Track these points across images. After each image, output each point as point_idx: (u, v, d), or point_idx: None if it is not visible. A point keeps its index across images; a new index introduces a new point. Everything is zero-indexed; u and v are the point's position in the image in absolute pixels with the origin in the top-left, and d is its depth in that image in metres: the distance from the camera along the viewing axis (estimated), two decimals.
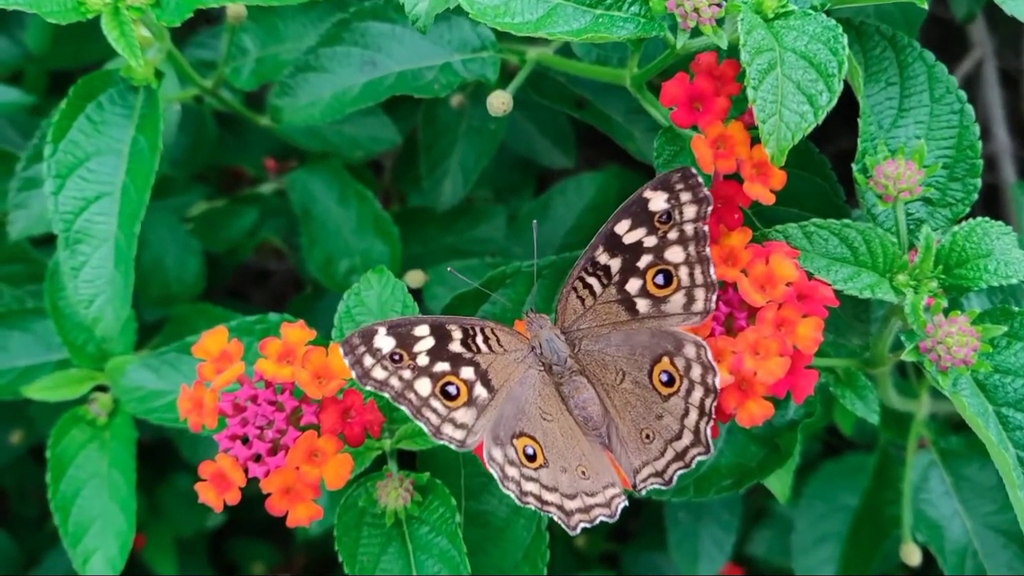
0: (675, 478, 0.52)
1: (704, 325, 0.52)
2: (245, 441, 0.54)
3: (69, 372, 0.75)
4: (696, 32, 0.51)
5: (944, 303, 0.52)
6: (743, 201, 0.53)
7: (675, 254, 0.51)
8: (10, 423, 0.98)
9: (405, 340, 0.52)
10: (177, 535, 1.04)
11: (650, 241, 0.52)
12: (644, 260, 0.52)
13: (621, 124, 0.75)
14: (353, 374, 0.51)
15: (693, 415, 0.51)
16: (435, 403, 0.52)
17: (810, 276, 0.52)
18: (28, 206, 0.76)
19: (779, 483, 0.63)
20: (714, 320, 0.52)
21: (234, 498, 0.53)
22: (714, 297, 0.51)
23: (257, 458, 0.54)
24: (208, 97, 0.80)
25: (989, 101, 1.01)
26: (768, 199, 0.52)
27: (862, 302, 0.60)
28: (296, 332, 0.55)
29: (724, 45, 0.50)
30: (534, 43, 0.72)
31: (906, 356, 0.52)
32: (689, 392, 0.51)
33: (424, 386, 0.52)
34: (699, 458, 0.52)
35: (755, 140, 0.52)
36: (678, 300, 0.52)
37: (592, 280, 0.53)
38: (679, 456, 0.52)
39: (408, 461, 0.61)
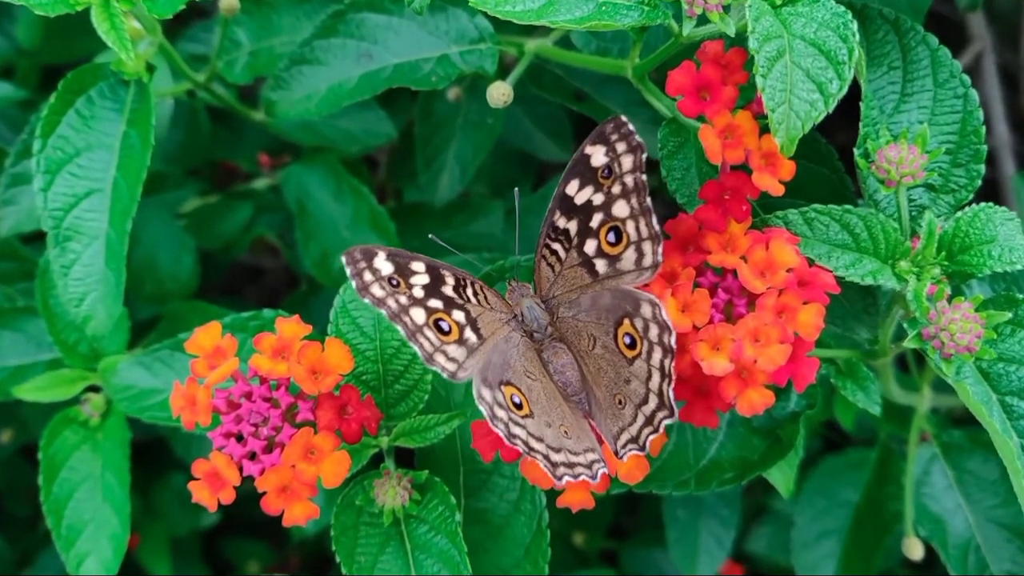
0: (647, 443, 0.52)
1: (656, 281, 0.51)
2: (239, 439, 0.53)
3: (61, 372, 0.74)
4: (702, 20, 0.50)
5: (947, 290, 0.51)
6: (751, 192, 0.52)
7: (621, 208, 0.51)
8: (1, 423, 0.96)
9: (403, 270, 0.52)
10: (171, 534, 1.03)
11: (598, 199, 0.51)
12: (596, 219, 0.52)
13: None
14: (352, 284, 0.51)
15: (656, 377, 0.51)
16: (429, 333, 0.52)
17: (811, 263, 0.52)
18: (17, 202, 0.75)
19: (782, 477, 0.63)
20: (713, 308, 0.51)
21: (228, 497, 0.52)
22: (660, 249, 0.51)
23: (252, 456, 0.53)
24: (201, 91, 0.79)
25: (989, 95, 1.00)
26: (777, 190, 0.51)
27: (870, 295, 0.59)
28: (291, 327, 0.54)
29: (731, 32, 0.49)
30: (532, 35, 0.71)
31: (909, 343, 0.51)
32: (650, 354, 0.51)
33: (419, 315, 0.52)
34: (666, 421, 0.51)
35: (764, 130, 0.51)
36: (630, 256, 0.51)
37: (556, 245, 0.53)
38: (648, 420, 0.51)
39: (406, 459, 0.61)
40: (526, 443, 0.51)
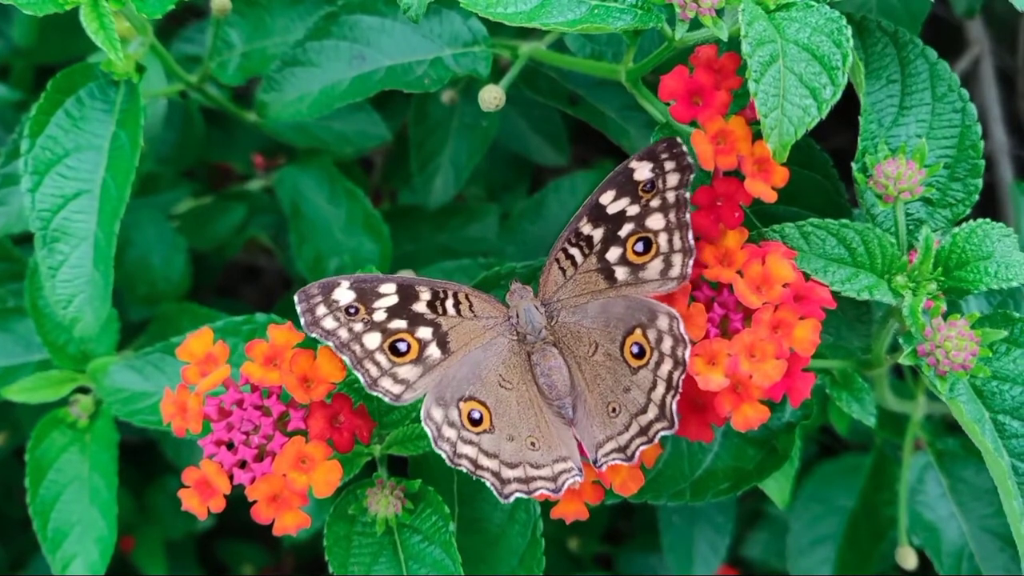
0: (637, 453, 0.51)
1: (681, 292, 0.51)
2: (230, 447, 0.53)
3: (50, 373, 0.74)
4: (695, 24, 0.49)
5: (943, 306, 0.51)
6: (744, 199, 0.52)
7: (656, 221, 0.52)
8: None
9: (366, 296, 0.52)
10: (166, 537, 1.02)
11: (632, 210, 0.52)
12: (626, 229, 0.52)
13: (615, 120, 0.74)
14: (302, 321, 0.52)
15: (660, 388, 0.51)
16: (380, 357, 0.52)
17: (807, 277, 0.51)
18: (7, 203, 0.74)
19: (777, 488, 0.62)
20: (709, 322, 0.51)
21: (218, 505, 0.52)
22: (691, 262, 0.51)
23: (243, 464, 0.53)
24: (193, 92, 0.78)
25: (987, 99, 1.00)
26: (770, 197, 0.50)
27: (863, 304, 0.59)
28: (283, 334, 0.54)
29: (724, 37, 0.49)
30: (527, 37, 0.71)
31: (904, 360, 0.51)
32: (658, 364, 0.51)
33: (373, 340, 0.52)
34: (663, 433, 0.51)
35: (757, 135, 0.51)
36: (656, 266, 0.52)
37: (574, 251, 0.53)
38: (643, 431, 0.51)
39: (399, 467, 0.60)
40: (474, 461, 0.52)
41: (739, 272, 0.50)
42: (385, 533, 0.57)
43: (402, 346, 0.52)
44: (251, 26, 0.76)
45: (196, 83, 0.76)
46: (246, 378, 0.53)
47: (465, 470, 0.52)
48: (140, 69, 0.65)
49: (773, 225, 0.52)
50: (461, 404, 0.52)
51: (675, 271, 0.51)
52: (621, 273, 0.52)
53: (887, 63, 0.56)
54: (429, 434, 0.52)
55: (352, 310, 0.52)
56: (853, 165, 0.54)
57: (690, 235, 0.51)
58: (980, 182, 0.55)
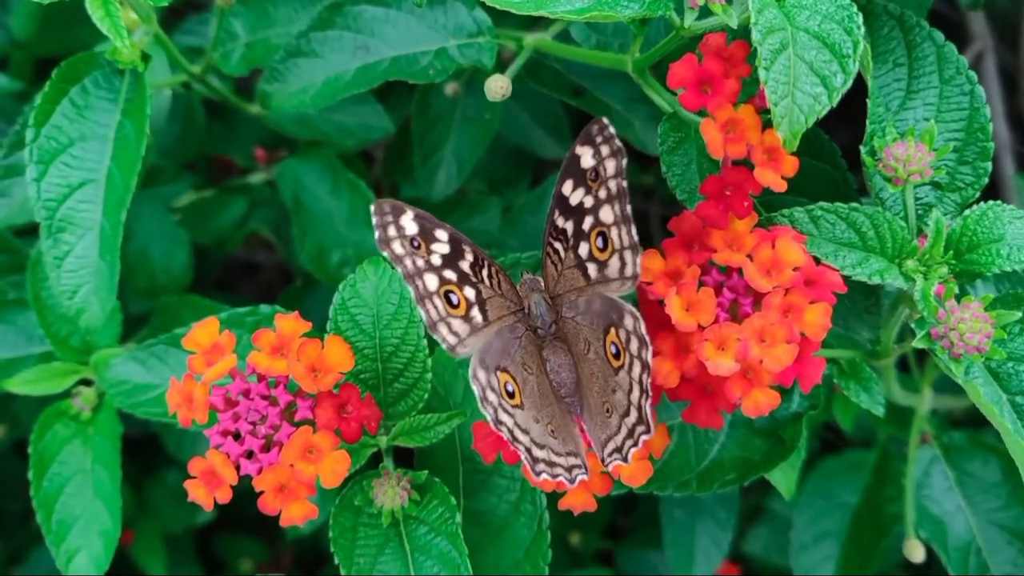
0: (630, 455, 0.51)
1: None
2: (237, 437, 0.52)
3: (52, 365, 0.73)
4: (704, 12, 0.49)
5: (955, 289, 0.51)
6: (753, 188, 0.51)
7: (607, 214, 0.50)
8: None
9: (427, 233, 0.51)
10: (166, 532, 1.02)
11: (588, 201, 0.51)
12: (587, 222, 0.51)
13: (620, 112, 0.74)
14: (376, 234, 0.51)
15: (636, 391, 0.50)
16: (437, 301, 0.52)
17: (817, 261, 0.51)
18: (10, 194, 0.74)
19: (784, 478, 0.62)
20: (719, 307, 0.50)
21: (225, 496, 0.52)
22: (639, 260, 0.50)
23: (249, 455, 0.52)
24: (197, 84, 0.78)
25: (989, 94, 1.00)
26: (780, 186, 0.50)
27: (872, 295, 0.59)
28: (291, 323, 0.53)
29: (734, 25, 0.49)
30: (531, 28, 0.71)
31: (917, 343, 0.51)
32: (631, 367, 0.50)
33: (432, 282, 0.52)
34: (643, 437, 0.50)
35: (766, 124, 0.50)
36: (615, 264, 0.51)
37: (557, 244, 0.52)
38: (630, 433, 0.51)
39: (405, 459, 0.60)
40: (511, 432, 0.51)
41: (749, 256, 0.50)
42: (391, 524, 0.57)
43: (453, 298, 0.52)
44: (254, 16, 0.76)
45: (199, 74, 0.76)
46: (252, 368, 0.53)
47: (505, 436, 0.51)
48: (145, 58, 0.65)
49: (782, 210, 0.52)
50: (498, 373, 0.52)
51: (628, 270, 0.50)
52: (592, 270, 0.51)
53: (893, 46, 0.56)
54: (476, 393, 0.51)
55: (416, 243, 0.51)
56: (862, 148, 0.54)
57: (634, 230, 0.50)
58: (989, 165, 0.55)
